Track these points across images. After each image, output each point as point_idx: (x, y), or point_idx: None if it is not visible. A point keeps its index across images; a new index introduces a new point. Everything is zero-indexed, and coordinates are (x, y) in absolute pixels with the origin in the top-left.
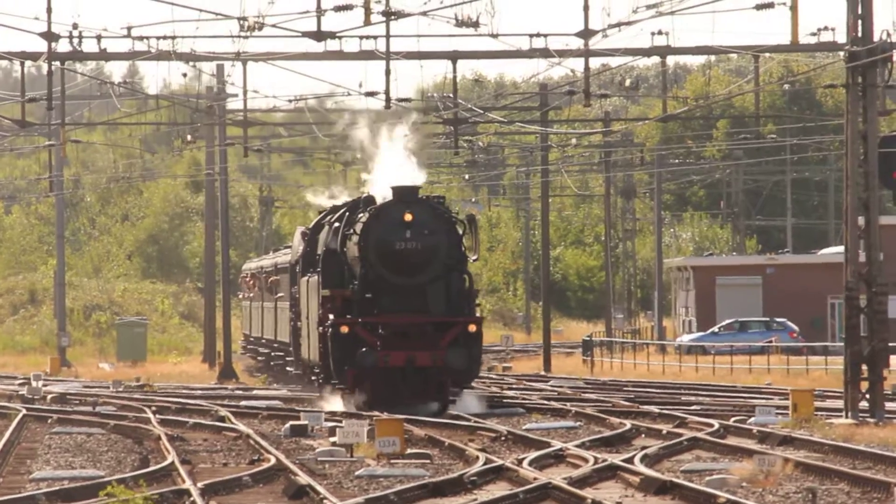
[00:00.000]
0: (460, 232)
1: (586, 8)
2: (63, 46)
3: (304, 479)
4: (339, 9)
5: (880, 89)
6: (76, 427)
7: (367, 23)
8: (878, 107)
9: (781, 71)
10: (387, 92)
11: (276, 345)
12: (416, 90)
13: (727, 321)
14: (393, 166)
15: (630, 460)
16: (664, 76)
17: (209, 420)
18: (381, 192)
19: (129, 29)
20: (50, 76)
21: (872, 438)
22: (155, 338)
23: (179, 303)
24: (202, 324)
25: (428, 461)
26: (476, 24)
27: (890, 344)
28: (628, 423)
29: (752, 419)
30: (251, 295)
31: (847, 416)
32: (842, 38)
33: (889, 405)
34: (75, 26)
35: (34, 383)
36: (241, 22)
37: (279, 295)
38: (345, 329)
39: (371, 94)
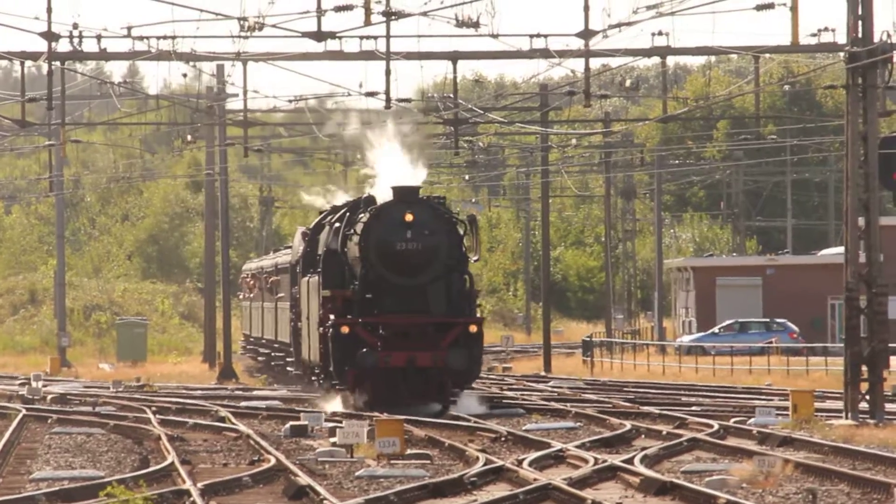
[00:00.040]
0: (461, 232)
1: (586, 8)
2: (63, 46)
3: (304, 479)
4: (339, 9)
5: (880, 90)
6: (76, 427)
7: (368, 23)
8: (878, 108)
9: (782, 72)
10: (387, 92)
11: (276, 345)
12: (416, 90)
13: (727, 322)
14: (393, 166)
15: (630, 461)
16: (664, 77)
17: (209, 420)
18: (382, 193)
19: (129, 29)
20: (50, 76)
21: (872, 439)
22: (155, 338)
23: (179, 303)
24: (202, 324)
25: (428, 462)
26: (476, 25)
27: (890, 345)
28: (628, 424)
29: (752, 420)
30: (251, 295)
31: (847, 417)
32: (842, 38)
33: (889, 406)
34: (75, 26)
35: (34, 383)
36: (242, 22)
37: (279, 295)
38: (345, 329)
39: (371, 94)
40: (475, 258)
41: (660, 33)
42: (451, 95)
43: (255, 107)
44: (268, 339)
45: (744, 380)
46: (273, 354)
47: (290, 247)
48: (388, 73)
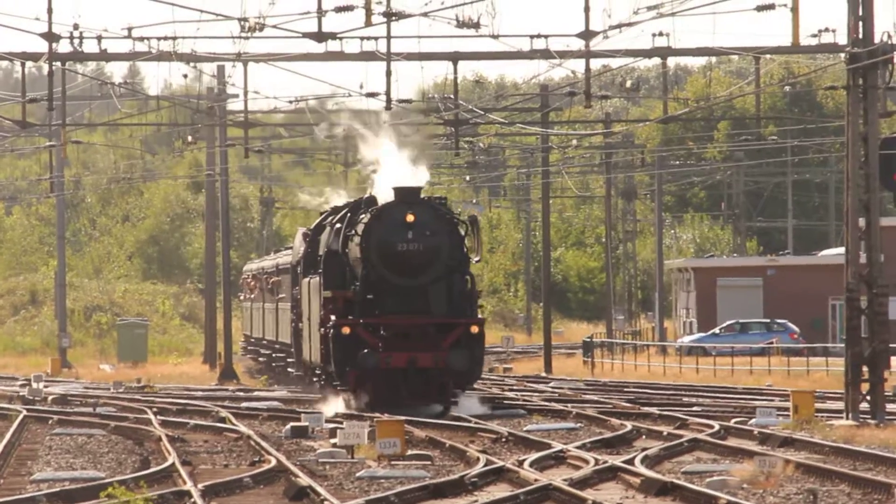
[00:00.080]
0: (462, 233)
1: (587, 9)
2: (64, 47)
3: (304, 480)
4: (339, 10)
5: (881, 91)
6: (77, 428)
7: (368, 24)
8: (878, 109)
9: (782, 72)
10: (388, 93)
11: (277, 346)
12: (416, 91)
13: (728, 322)
14: (394, 167)
15: (631, 461)
16: (665, 77)
17: (210, 421)
18: (383, 193)
19: (129, 30)
20: (51, 77)
21: (873, 440)
22: (155, 339)
23: (180, 304)
24: (203, 325)
25: (429, 462)
26: (477, 25)
27: (891, 345)
28: (629, 425)
29: (753, 420)
30: (252, 296)
31: (848, 418)
32: (843, 39)
33: (890, 406)
34: (76, 27)
35: (35, 384)
36: (242, 23)
37: (280, 296)
38: (346, 330)
39: (372, 94)
40: (476, 259)
41: (660, 34)
42: (452, 96)
43: (256, 107)
44: (269, 339)
45: (744, 380)
46: (274, 355)
47: (291, 247)
48: (388, 73)
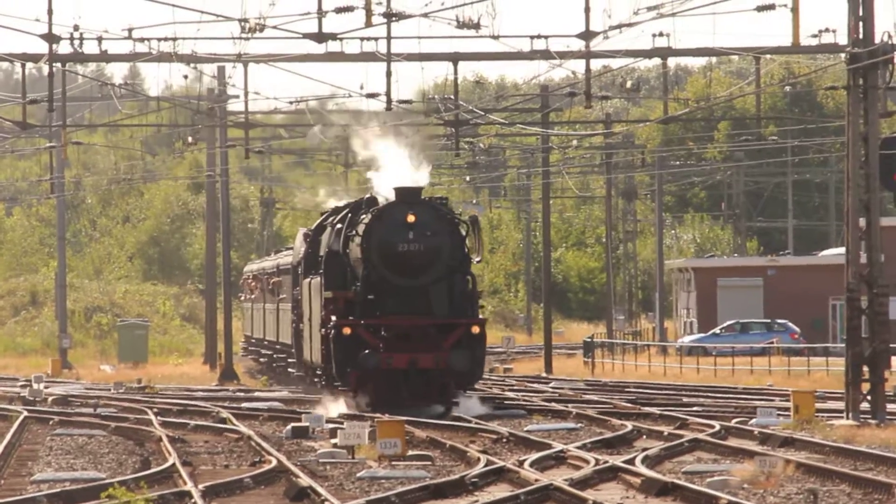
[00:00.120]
0: (463, 233)
1: (587, 10)
2: (64, 48)
3: (305, 480)
4: (340, 10)
5: (881, 91)
6: (77, 429)
7: (369, 24)
8: (879, 109)
9: (782, 73)
10: (388, 93)
11: (277, 346)
12: (417, 92)
13: (728, 322)
14: (394, 167)
15: (631, 462)
16: (665, 78)
17: (210, 422)
18: (384, 194)
19: (129, 30)
20: (51, 78)
21: (874, 440)
22: (156, 339)
23: (180, 304)
24: (203, 325)
25: (429, 463)
26: (477, 26)
27: (891, 345)
28: (629, 425)
29: (754, 420)
30: (253, 297)
31: (848, 418)
32: (843, 39)
33: (890, 406)
34: (76, 28)
35: (35, 385)
36: (242, 23)
37: (281, 296)
38: (347, 331)
39: (372, 95)
40: (477, 259)
41: (660, 34)
42: (452, 97)
43: (256, 108)
44: (269, 340)
45: (745, 380)
46: (274, 356)
47: (292, 248)
48: (388, 74)
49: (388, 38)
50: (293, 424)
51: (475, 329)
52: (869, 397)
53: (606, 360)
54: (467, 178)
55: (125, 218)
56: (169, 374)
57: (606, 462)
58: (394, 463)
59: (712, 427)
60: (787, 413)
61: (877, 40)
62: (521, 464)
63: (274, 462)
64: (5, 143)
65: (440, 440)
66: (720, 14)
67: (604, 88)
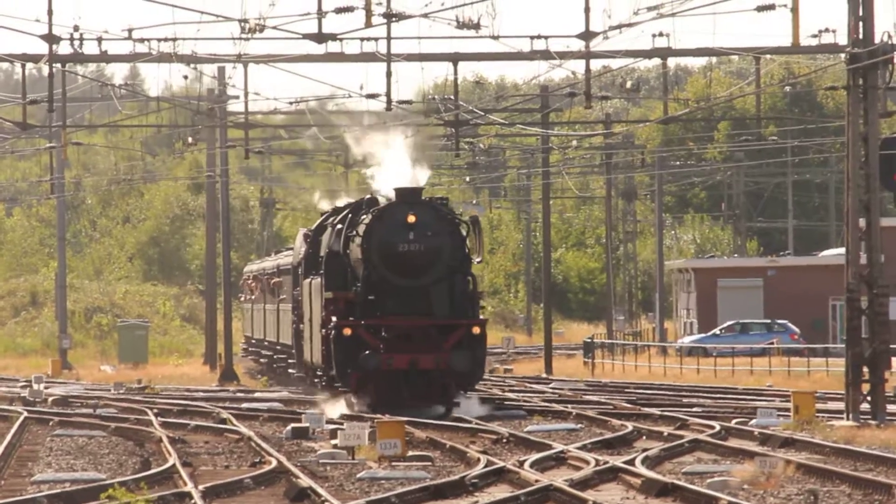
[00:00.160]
0: (464, 233)
1: (587, 10)
2: (64, 48)
3: (305, 481)
4: (340, 11)
5: (881, 91)
6: (77, 429)
7: (369, 24)
8: (879, 109)
9: (782, 73)
10: (388, 94)
11: (278, 347)
12: (417, 92)
13: (728, 323)
14: (394, 168)
15: (631, 462)
16: (665, 78)
17: (210, 422)
18: (384, 194)
19: (129, 31)
20: (51, 78)
21: (874, 440)
22: (156, 340)
23: (181, 305)
24: (203, 326)
25: (429, 463)
26: (477, 26)
27: (891, 346)
28: (630, 425)
29: (754, 421)
30: (253, 297)
31: (848, 418)
32: (843, 39)
33: (890, 407)
34: (76, 28)
35: (35, 386)
36: (242, 24)
37: (281, 297)
38: (348, 331)
39: (372, 96)
40: (478, 259)
41: (660, 34)
42: (452, 97)
43: (256, 109)
44: (269, 341)
45: (745, 381)
46: (275, 356)
47: (292, 248)
48: (388, 74)
49: (388, 38)
50: (293, 425)
51: (476, 330)
52: (869, 398)
53: (606, 361)
54: (467, 179)
55: (125, 218)
56: (169, 375)
57: (607, 463)
58: (394, 464)
59: (712, 428)
60: (787, 414)
61: (877, 40)
62: (521, 464)
63: (274, 463)
64: (5, 144)
65: (440, 441)
66: (720, 14)
67: (604, 89)
